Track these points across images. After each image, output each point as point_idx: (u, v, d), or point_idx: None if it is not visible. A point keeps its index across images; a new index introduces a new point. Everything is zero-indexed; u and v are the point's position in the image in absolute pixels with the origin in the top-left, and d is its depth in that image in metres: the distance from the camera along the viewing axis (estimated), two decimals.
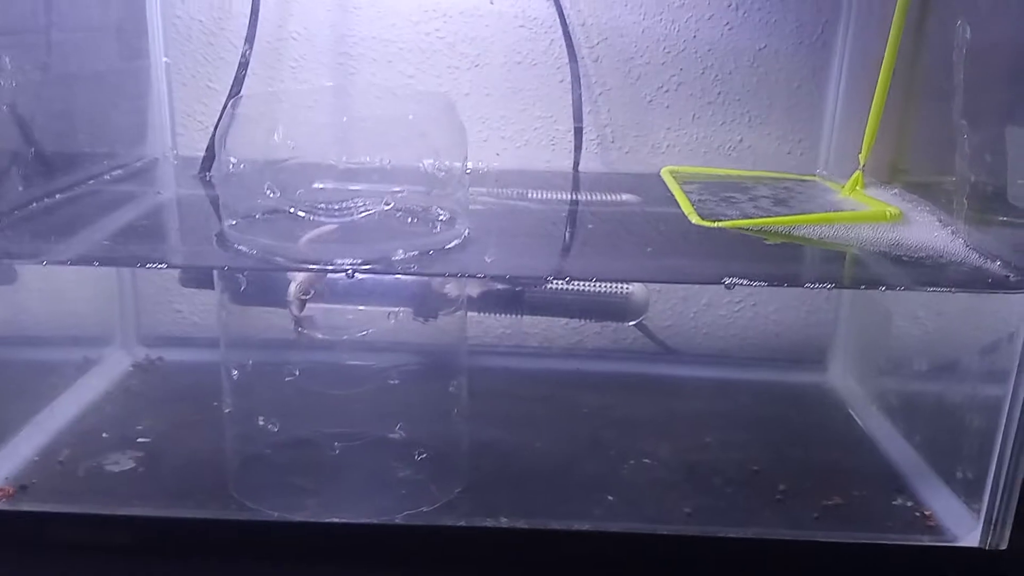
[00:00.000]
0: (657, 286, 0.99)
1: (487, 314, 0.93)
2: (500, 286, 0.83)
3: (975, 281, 0.63)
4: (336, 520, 0.65)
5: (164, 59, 0.95)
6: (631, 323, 0.89)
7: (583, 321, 0.98)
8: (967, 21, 0.70)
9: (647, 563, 0.66)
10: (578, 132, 0.96)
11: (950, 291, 0.60)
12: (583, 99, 0.97)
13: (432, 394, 0.74)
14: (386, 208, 0.67)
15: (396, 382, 0.70)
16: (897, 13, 0.79)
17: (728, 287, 0.59)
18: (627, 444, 0.78)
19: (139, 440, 0.77)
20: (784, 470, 0.75)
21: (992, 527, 0.65)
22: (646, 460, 0.76)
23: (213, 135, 0.87)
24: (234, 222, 0.66)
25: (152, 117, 0.96)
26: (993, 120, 0.67)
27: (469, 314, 0.93)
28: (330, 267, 0.60)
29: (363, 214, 0.66)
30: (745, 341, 1.02)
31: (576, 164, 0.98)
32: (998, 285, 0.62)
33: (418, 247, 0.64)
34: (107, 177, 0.84)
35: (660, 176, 0.95)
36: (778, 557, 0.65)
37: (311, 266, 0.63)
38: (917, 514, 0.70)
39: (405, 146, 0.69)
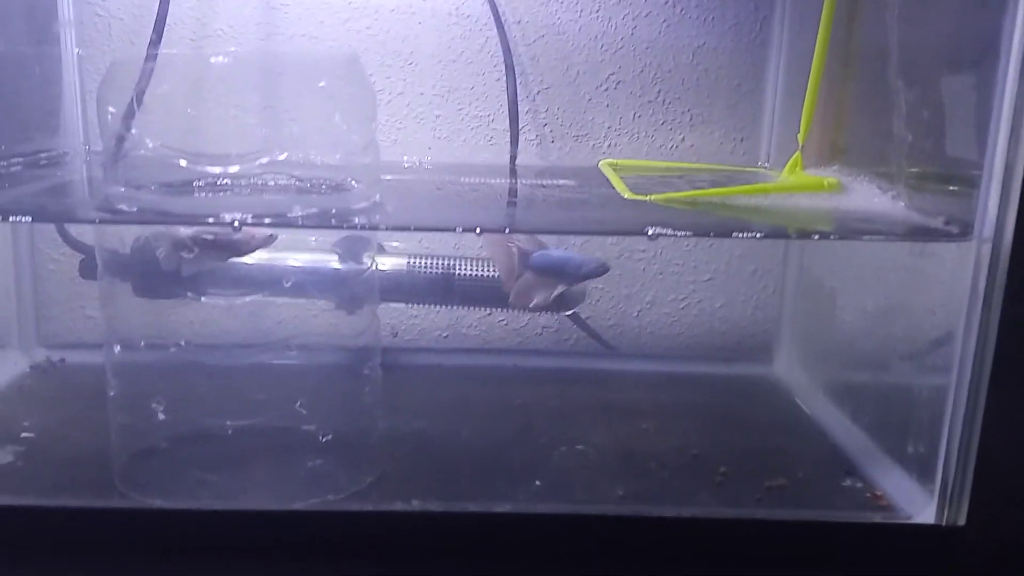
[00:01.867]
0: (599, 284, 0.95)
1: (414, 304, 0.88)
2: (428, 271, 0.78)
3: (916, 233, 0.59)
4: (223, 508, 0.58)
5: (76, 50, 0.91)
6: (566, 313, 0.84)
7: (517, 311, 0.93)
8: None
9: (575, 545, 0.59)
10: (514, 124, 0.93)
11: (887, 240, 0.57)
12: (521, 98, 0.94)
13: (342, 378, 0.68)
14: (290, 181, 0.62)
15: (298, 362, 0.64)
16: None
17: (651, 237, 0.55)
18: (560, 433, 0.73)
19: (23, 435, 0.70)
20: (725, 455, 0.70)
21: (948, 502, 0.60)
22: (579, 447, 0.71)
23: None
24: (123, 189, 0.61)
25: (65, 111, 0.91)
26: (929, 75, 0.65)
27: (397, 306, 0.89)
28: (213, 220, 0.55)
29: (267, 182, 0.62)
30: (691, 339, 0.98)
31: (513, 158, 0.94)
32: (943, 235, 0.58)
33: (318, 205, 0.58)
34: (2, 163, 0.78)
35: (599, 168, 0.91)
36: (717, 537, 0.60)
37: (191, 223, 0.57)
38: (868, 495, 0.65)
39: (313, 113, 0.64)
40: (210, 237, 0.62)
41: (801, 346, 0.91)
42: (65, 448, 0.69)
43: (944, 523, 0.60)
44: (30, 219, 0.55)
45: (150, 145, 0.57)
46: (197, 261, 0.63)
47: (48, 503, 0.60)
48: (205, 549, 0.59)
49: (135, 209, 0.57)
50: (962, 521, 0.59)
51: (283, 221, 0.57)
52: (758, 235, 0.57)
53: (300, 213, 0.58)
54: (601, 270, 0.73)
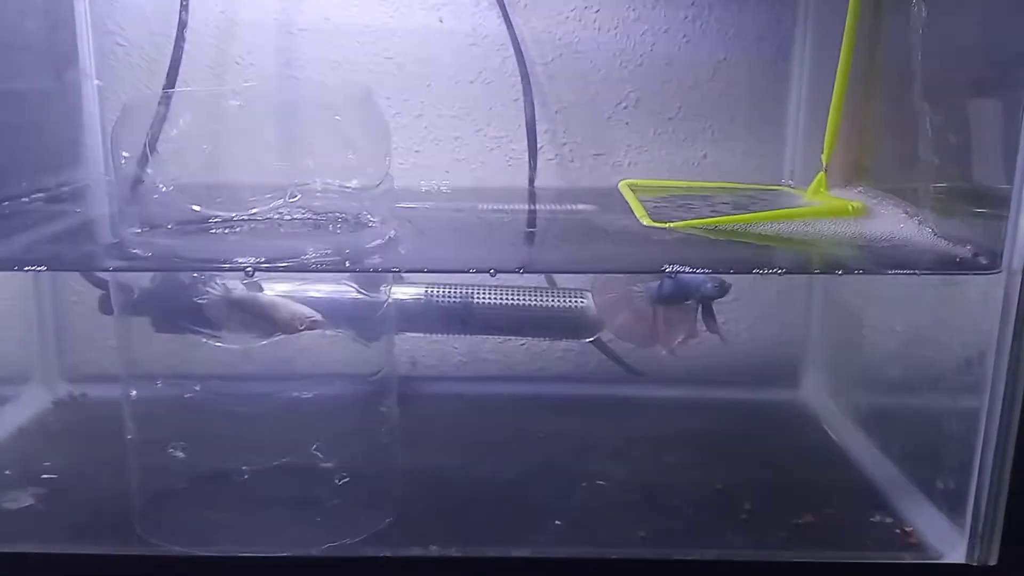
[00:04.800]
0: None
1: (433, 334, 0.87)
2: (447, 300, 0.78)
3: (944, 265, 0.57)
4: (240, 554, 0.58)
5: (96, 82, 0.91)
6: (588, 340, 0.83)
7: (537, 339, 0.92)
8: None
9: None
10: (532, 144, 0.92)
11: (914, 274, 0.55)
12: (540, 117, 0.93)
13: (359, 415, 0.67)
14: (304, 215, 0.62)
15: (315, 400, 0.64)
16: (851, 4, 0.75)
17: (670, 275, 0.54)
18: (581, 467, 0.72)
19: (44, 477, 0.70)
20: (750, 489, 0.68)
21: (979, 542, 0.58)
22: (600, 482, 0.69)
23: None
24: (138, 230, 0.61)
25: (86, 141, 0.91)
26: (955, 98, 0.63)
27: (415, 335, 0.88)
28: (227, 266, 0.54)
29: (273, 217, 0.61)
30: (716, 361, 0.96)
31: (531, 180, 0.93)
32: (969, 267, 0.56)
33: (332, 245, 0.58)
34: (25, 200, 0.78)
35: (617, 189, 0.90)
36: None
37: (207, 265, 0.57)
38: (897, 531, 0.64)
39: (327, 148, 0.64)
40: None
41: (828, 371, 0.89)
42: (85, 490, 0.69)
43: (976, 563, 0.58)
44: (44, 269, 0.55)
45: (163, 190, 0.57)
46: (237, 324, 0.63)
47: (67, 550, 0.60)
48: None
49: (149, 255, 0.57)
50: (993, 561, 0.58)
51: (298, 264, 0.56)
52: (780, 271, 0.55)
53: (314, 255, 0.57)
54: (719, 292, 0.68)
